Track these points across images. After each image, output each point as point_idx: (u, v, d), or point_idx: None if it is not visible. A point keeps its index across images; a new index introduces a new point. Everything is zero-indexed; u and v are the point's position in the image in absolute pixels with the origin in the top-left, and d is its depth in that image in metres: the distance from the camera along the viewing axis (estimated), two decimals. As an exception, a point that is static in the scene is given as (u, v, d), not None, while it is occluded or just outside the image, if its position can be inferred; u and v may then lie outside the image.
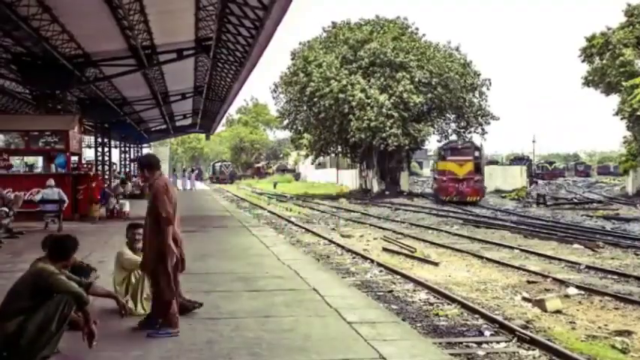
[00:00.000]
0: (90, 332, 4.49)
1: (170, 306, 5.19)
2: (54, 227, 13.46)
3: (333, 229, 19.80)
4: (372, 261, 12.50)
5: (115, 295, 5.46)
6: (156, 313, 5.34)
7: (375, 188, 40.10)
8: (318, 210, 28.03)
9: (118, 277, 6.19)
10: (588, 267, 11.91)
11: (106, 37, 16.50)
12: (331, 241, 15.78)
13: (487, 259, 12.79)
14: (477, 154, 32.38)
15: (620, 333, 7.34)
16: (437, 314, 8.23)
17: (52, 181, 14.32)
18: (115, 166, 37.24)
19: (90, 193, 16.63)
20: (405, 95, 36.13)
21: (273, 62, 65.69)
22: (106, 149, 32.81)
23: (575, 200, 33.80)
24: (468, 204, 29.63)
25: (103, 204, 16.99)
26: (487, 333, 7.24)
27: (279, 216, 23.91)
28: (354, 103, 36.35)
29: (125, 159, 42.76)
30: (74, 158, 18.97)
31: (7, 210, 11.72)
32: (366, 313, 6.15)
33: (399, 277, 10.82)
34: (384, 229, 19.25)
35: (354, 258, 13.30)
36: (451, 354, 6.16)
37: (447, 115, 41.46)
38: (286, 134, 58.51)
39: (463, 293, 9.55)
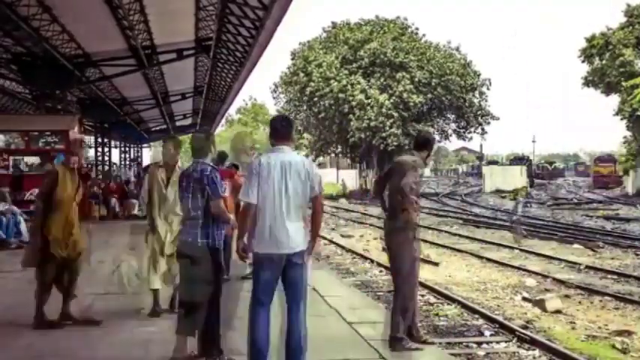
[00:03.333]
0: None
1: None
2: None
3: (333, 229, 19.81)
4: (372, 261, 12.49)
5: None
6: None
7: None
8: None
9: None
10: (588, 267, 11.91)
11: (106, 37, 16.48)
12: (331, 241, 15.78)
13: (487, 259, 12.79)
14: (615, 162, 48.76)
15: (620, 333, 7.34)
16: (437, 314, 8.23)
17: None
18: (115, 165, 37.21)
19: (88, 193, 16.57)
20: (405, 95, 36.19)
21: (273, 62, 65.49)
22: (106, 149, 32.80)
23: (575, 200, 33.80)
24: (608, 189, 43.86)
25: (96, 203, 16.89)
26: (487, 333, 7.24)
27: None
28: (354, 103, 36.40)
29: (125, 159, 42.72)
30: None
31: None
32: (366, 313, 6.15)
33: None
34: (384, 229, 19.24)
35: (354, 258, 13.30)
36: (451, 354, 6.16)
37: (447, 115, 41.53)
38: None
39: (463, 293, 9.54)
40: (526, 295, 9.39)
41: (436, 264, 12.30)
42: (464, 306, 8.46)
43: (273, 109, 60.78)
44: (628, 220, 22.08)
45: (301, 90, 38.94)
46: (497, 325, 7.42)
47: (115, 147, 39.37)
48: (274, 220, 3.95)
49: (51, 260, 5.41)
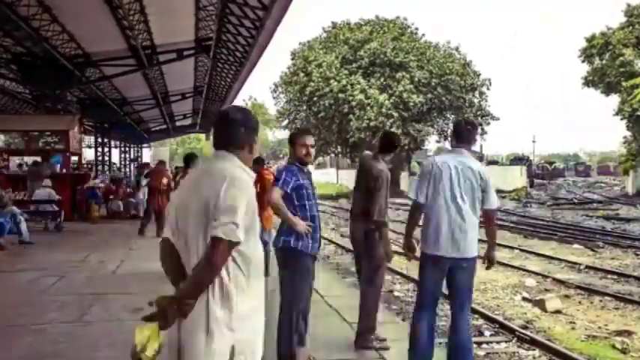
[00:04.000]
0: None
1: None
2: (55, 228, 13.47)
3: (333, 229, 19.80)
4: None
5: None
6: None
7: (375, 188, 40.13)
8: (318, 210, 28.00)
9: None
10: (588, 267, 11.91)
11: (106, 37, 16.47)
12: (331, 241, 15.77)
13: (487, 259, 12.78)
14: None
15: (620, 333, 7.34)
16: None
17: (48, 182, 14.27)
18: (114, 165, 37.23)
19: (86, 193, 16.57)
20: (404, 95, 36.17)
21: (273, 62, 65.46)
22: (106, 149, 32.84)
23: (575, 200, 33.81)
24: None
25: (97, 203, 16.86)
26: (487, 333, 7.24)
27: (279, 216, 23.89)
28: (353, 103, 36.38)
29: (125, 159, 42.73)
30: (74, 158, 18.95)
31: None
32: (366, 313, 6.14)
33: (399, 277, 10.82)
34: (384, 229, 19.23)
35: (354, 258, 13.30)
36: (451, 354, 6.15)
37: (447, 115, 41.51)
38: (286, 134, 58.49)
39: (463, 293, 9.53)
40: (526, 295, 9.39)
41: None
42: (464, 306, 8.45)
43: (273, 109, 60.87)
44: (628, 220, 22.08)
45: (301, 90, 38.94)
46: (497, 325, 7.42)
47: (115, 147, 39.40)
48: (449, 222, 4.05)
49: None
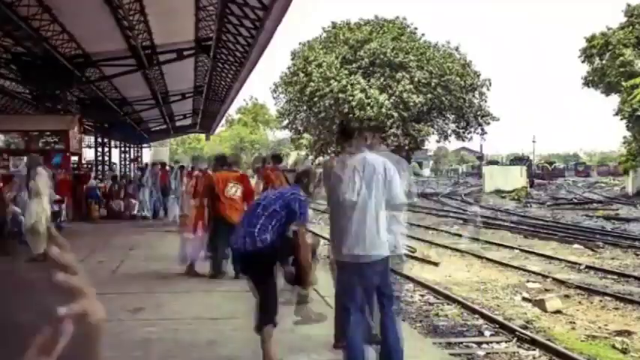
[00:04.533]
0: None
1: None
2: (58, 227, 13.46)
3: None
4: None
5: None
6: None
7: (375, 188, 40.15)
8: (318, 210, 28.01)
9: None
10: (588, 267, 11.90)
11: (106, 37, 16.47)
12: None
13: (487, 259, 12.79)
14: None
15: (620, 333, 7.34)
16: (437, 314, 8.23)
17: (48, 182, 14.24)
18: (114, 165, 37.23)
19: (85, 193, 16.56)
20: (404, 95, 36.20)
21: (273, 62, 65.43)
22: (106, 149, 32.83)
23: (575, 200, 33.80)
24: None
25: (96, 202, 16.86)
26: (487, 333, 7.24)
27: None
28: (354, 103, 36.39)
29: (125, 159, 42.70)
30: (74, 158, 18.92)
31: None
32: (366, 313, 6.14)
33: (398, 277, 10.81)
34: (384, 229, 19.22)
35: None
36: (451, 354, 6.16)
37: (447, 115, 41.53)
38: (286, 134, 58.53)
39: (463, 293, 9.55)
40: (526, 295, 9.39)
41: (436, 264, 12.30)
42: (464, 306, 8.47)
43: (273, 109, 60.87)
44: (628, 220, 22.07)
45: (301, 90, 38.97)
46: (497, 325, 7.43)
47: (115, 147, 39.38)
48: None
49: None
